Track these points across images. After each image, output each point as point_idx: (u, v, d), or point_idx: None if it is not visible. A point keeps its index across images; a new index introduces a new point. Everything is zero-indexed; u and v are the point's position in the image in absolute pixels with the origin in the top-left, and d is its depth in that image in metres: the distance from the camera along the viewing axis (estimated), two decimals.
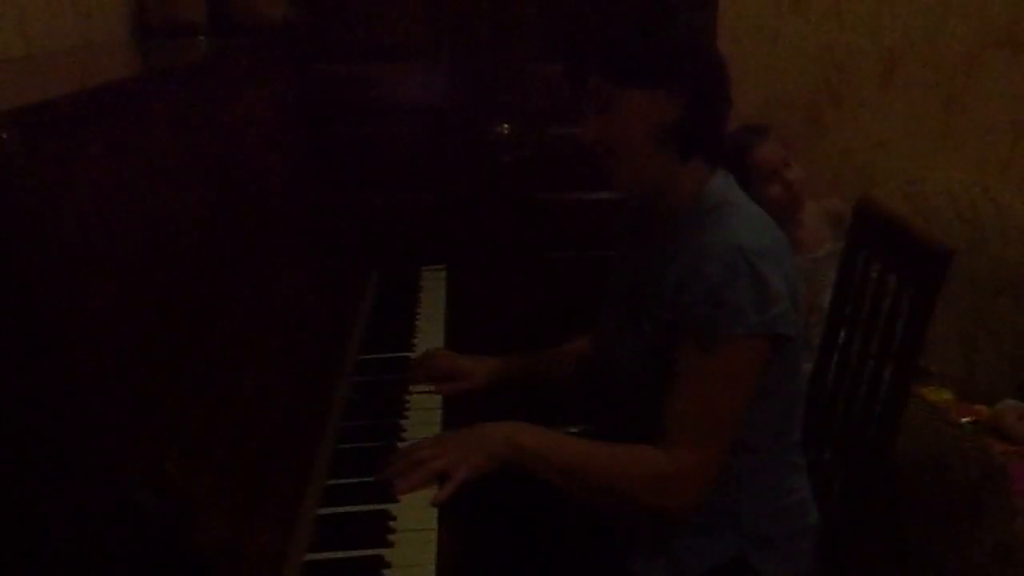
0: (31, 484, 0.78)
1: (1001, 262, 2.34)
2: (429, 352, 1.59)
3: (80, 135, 0.85)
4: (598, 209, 2.25)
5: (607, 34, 1.24)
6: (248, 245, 1.35)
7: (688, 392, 1.21)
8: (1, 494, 0.78)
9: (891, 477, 1.59)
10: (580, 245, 2.40)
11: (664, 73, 1.22)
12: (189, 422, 0.93)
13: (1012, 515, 1.72)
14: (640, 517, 1.33)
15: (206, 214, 1.18)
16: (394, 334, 1.73)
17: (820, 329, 1.78)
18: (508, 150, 2.37)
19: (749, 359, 1.21)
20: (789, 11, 2.43)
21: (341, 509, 1.16)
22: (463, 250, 2.39)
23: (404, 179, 2.40)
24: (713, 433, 1.22)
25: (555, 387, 1.65)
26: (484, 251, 2.43)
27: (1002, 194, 2.42)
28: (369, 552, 1.07)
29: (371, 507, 1.16)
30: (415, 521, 1.13)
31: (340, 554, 1.07)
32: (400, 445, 1.31)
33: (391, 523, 1.12)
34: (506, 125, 2.36)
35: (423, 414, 1.42)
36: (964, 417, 2.11)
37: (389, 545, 1.09)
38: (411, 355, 1.63)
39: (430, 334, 1.73)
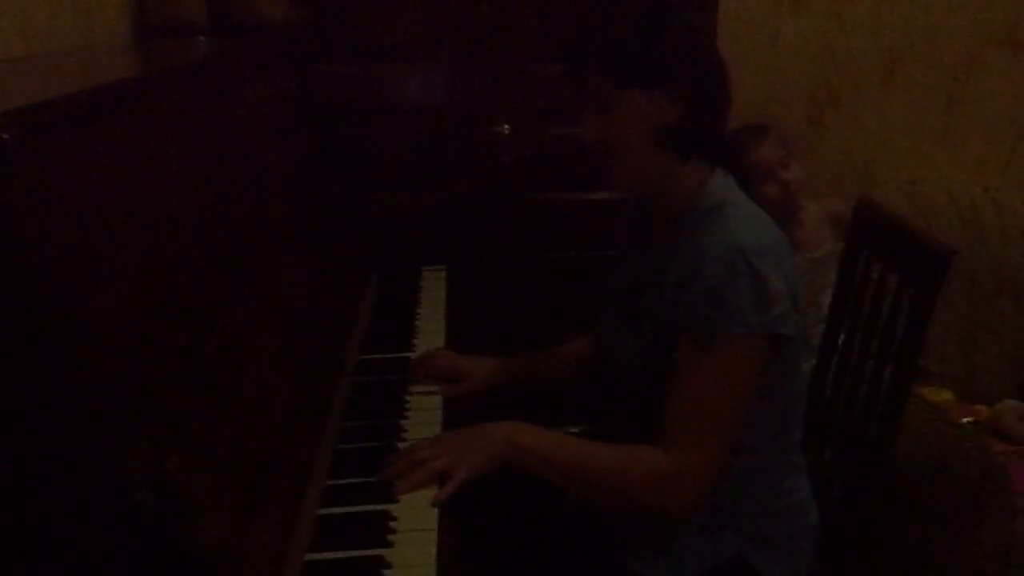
0: (31, 484, 0.78)
1: (1001, 262, 2.34)
2: (429, 352, 1.59)
3: (80, 135, 0.85)
4: (598, 209, 2.24)
5: (607, 34, 1.25)
6: (248, 245, 1.35)
7: (688, 392, 1.21)
8: (1, 494, 0.78)
9: (891, 477, 1.59)
10: (580, 245, 2.40)
11: (664, 73, 1.22)
12: (189, 422, 0.93)
13: (1012, 515, 1.73)
14: (640, 517, 1.33)
15: (206, 214, 1.18)
16: (394, 334, 1.74)
17: (819, 329, 1.78)
18: (508, 150, 2.37)
19: (749, 359, 1.21)
20: (789, 11, 2.43)
21: (341, 509, 1.16)
22: (463, 250, 2.38)
23: (404, 179, 2.40)
24: (713, 433, 1.22)
25: (555, 387, 1.65)
26: (484, 251, 2.43)
27: (1002, 194, 2.42)
28: (369, 552, 1.07)
29: (371, 507, 1.16)
30: (415, 521, 1.13)
31: (340, 554, 1.07)
32: (400, 445, 1.32)
33: (391, 523, 1.12)
34: (506, 125, 2.36)
35: (423, 414, 1.42)
36: (964, 417, 2.11)
37: (389, 545, 1.09)
38: (411, 355, 1.63)
39: (430, 334, 1.73)
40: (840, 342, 1.62)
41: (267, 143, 1.63)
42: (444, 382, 1.53)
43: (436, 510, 1.16)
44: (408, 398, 1.47)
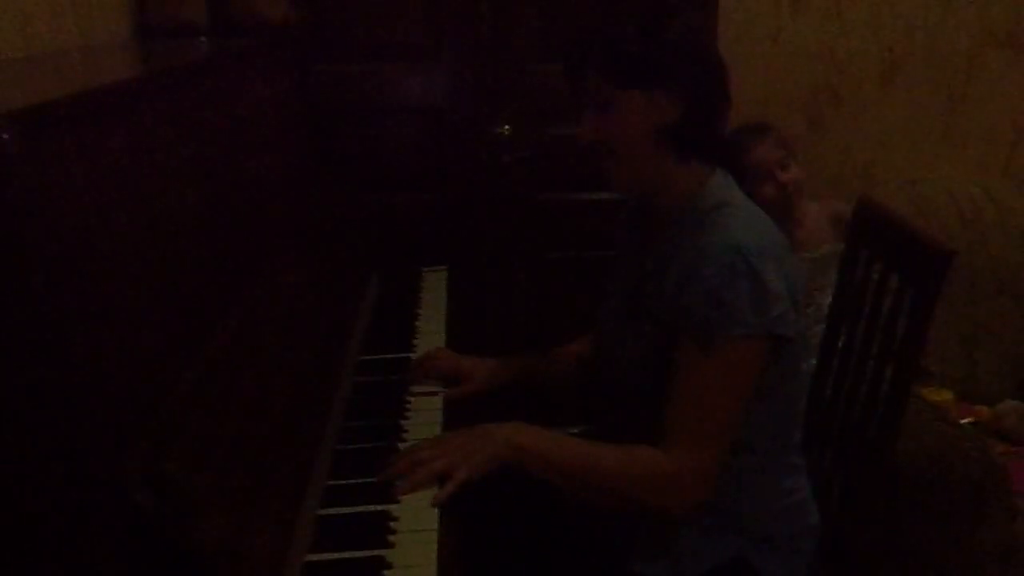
0: (31, 484, 0.78)
1: (1002, 262, 2.33)
2: (430, 353, 1.59)
3: (81, 136, 0.85)
4: (598, 209, 2.24)
5: (606, 35, 1.25)
6: (249, 245, 1.35)
7: (688, 392, 1.21)
8: (1, 494, 0.78)
9: (891, 477, 1.59)
10: (581, 245, 2.40)
11: (663, 74, 1.22)
12: (189, 422, 0.93)
13: (1013, 516, 1.72)
14: (640, 517, 1.33)
15: (207, 214, 1.18)
16: (395, 334, 1.74)
17: (819, 329, 1.78)
18: (508, 150, 2.37)
19: (748, 360, 1.21)
20: (789, 11, 2.43)
21: (342, 510, 1.16)
22: (464, 250, 2.39)
23: (404, 179, 2.40)
24: (713, 433, 1.22)
25: (555, 388, 1.65)
26: (485, 251, 2.43)
27: (1003, 194, 2.41)
28: (370, 553, 1.07)
29: (372, 508, 1.16)
30: (416, 522, 1.13)
31: (341, 555, 1.07)
32: (401, 446, 1.31)
33: (392, 524, 1.12)
34: (506, 125, 2.36)
35: (424, 415, 1.42)
36: (965, 418, 2.11)
37: (390, 546, 1.09)
38: (412, 356, 1.63)
39: (431, 335, 1.73)
40: (840, 342, 1.62)
41: (267, 143, 1.63)
42: (445, 382, 1.53)
43: (437, 510, 1.16)
44: (408, 398, 1.47)
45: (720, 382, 1.21)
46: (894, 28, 2.46)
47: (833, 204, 2.17)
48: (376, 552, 1.07)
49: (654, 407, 1.23)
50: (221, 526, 0.88)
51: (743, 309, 1.17)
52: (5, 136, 0.71)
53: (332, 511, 1.16)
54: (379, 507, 1.16)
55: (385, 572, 1.05)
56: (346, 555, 1.07)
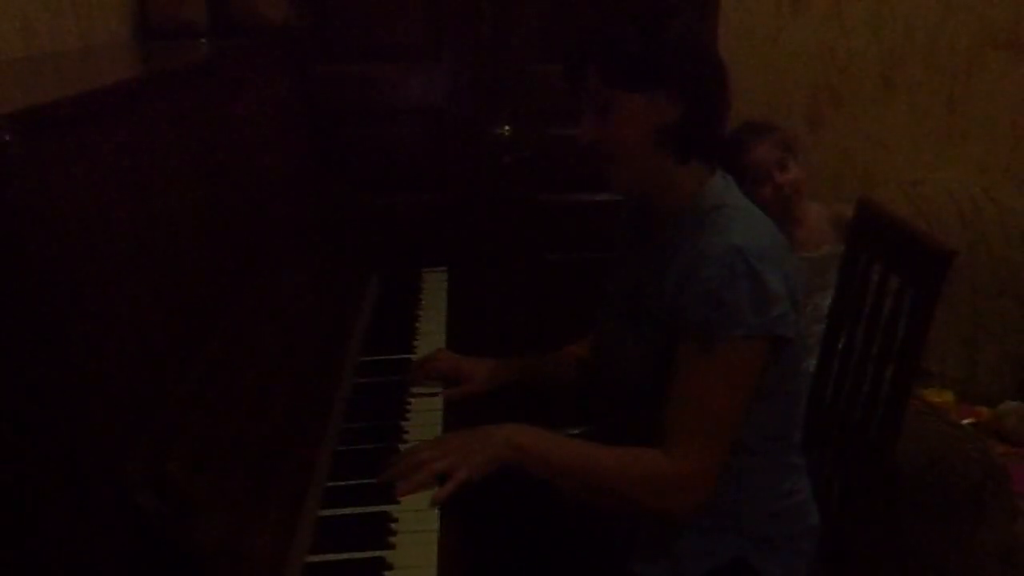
0: (32, 484, 0.78)
1: (1002, 263, 2.33)
2: (430, 354, 1.59)
3: (82, 137, 0.85)
4: (599, 210, 2.24)
5: (606, 36, 1.25)
6: (249, 246, 1.34)
7: (688, 394, 1.21)
8: (2, 494, 0.78)
9: (892, 478, 1.59)
10: (581, 246, 2.40)
11: (663, 75, 1.22)
12: (190, 423, 0.93)
13: (1013, 516, 1.72)
14: (640, 518, 1.33)
15: (207, 215, 1.18)
16: (395, 335, 1.73)
17: (817, 329, 1.78)
18: (509, 151, 2.37)
19: (748, 360, 1.21)
20: (790, 12, 2.43)
21: (342, 510, 1.16)
22: (464, 251, 2.39)
23: (405, 180, 2.40)
24: (713, 434, 1.22)
25: (556, 389, 1.65)
26: (485, 252, 2.43)
27: (1003, 195, 2.41)
28: (370, 554, 1.07)
29: (372, 509, 1.16)
30: (416, 522, 1.13)
31: (341, 556, 1.07)
32: (401, 447, 1.32)
33: (392, 525, 1.12)
34: (507, 126, 2.36)
35: (424, 416, 1.42)
36: (965, 418, 2.11)
37: (390, 547, 1.09)
38: (412, 356, 1.63)
39: (431, 335, 1.73)
40: (841, 343, 1.62)
41: (267, 144, 1.63)
42: (445, 383, 1.53)
43: (437, 511, 1.16)
44: (409, 399, 1.47)
45: (720, 383, 1.20)
46: (894, 28, 2.46)
47: (835, 206, 2.17)
48: (376, 553, 1.07)
49: (654, 408, 1.23)
50: (222, 527, 0.88)
51: (743, 310, 1.17)
52: (6, 137, 0.71)
53: (332, 512, 1.16)
54: (379, 508, 1.16)
55: (385, 573, 1.05)
56: (346, 556, 1.07)
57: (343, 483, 1.22)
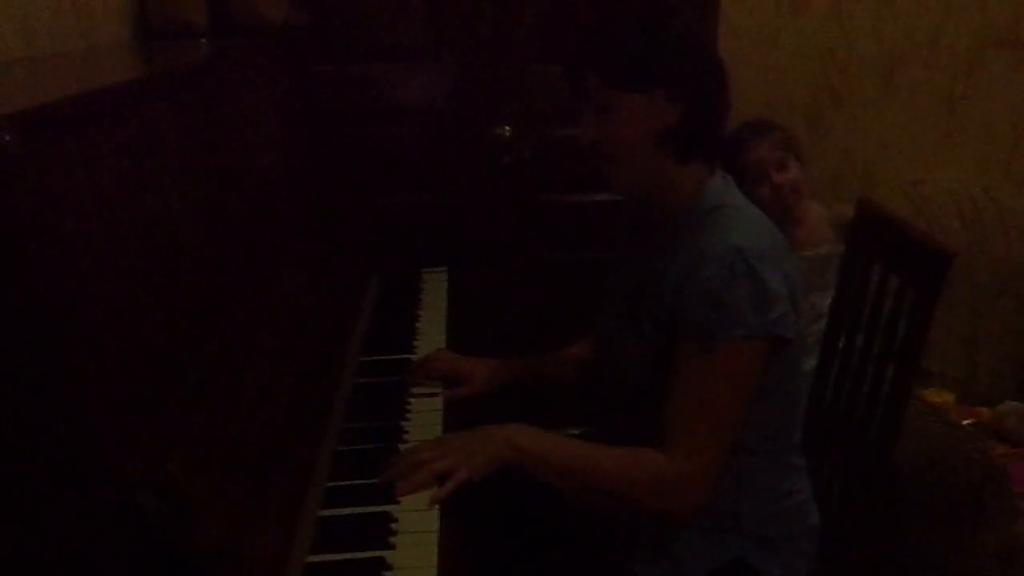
0: (33, 485, 0.78)
1: (1003, 263, 2.34)
2: (431, 354, 1.59)
3: (82, 137, 0.85)
4: (599, 210, 2.24)
5: (606, 36, 1.25)
6: (249, 246, 1.35)
7: (688, 394, 1.21)
8: (3, 494, 0.78)
9: (892, 478, 1.59)
10: (581, 246, 2.40)
11: (663, 75, 1.22)
12: (191, 423, 0.93)
13: (1013, 517, 1.72)
14: (641, 519, 1.33)
15: (207, 215, 1.19)
16: (395, 335, 1.73)
17: (814, 328, 1.78)
18: (508, 151, 2.37)
19: (748, 361, 1.21)
20: (790, 12, 2.43)
21: (342, 511, 1.16)
22: (464, 251, 2.39)
23: (405, 180, 2.40)
24: (713, 435, 1.22)
25: (556, 389, 1.65)
26: (485, 252, 2.43)
27: (1003, 195, 2.42)
28: (370, 554, 1.07)
29: (372, 509, 1.16)
30: (416, 523, 1.13)
31: (341, 556, 1.07)
32: (401, 447, 1.32)
33: (392, 525, 1.12)
34: (507, 126, 2.36)
35: (424, 416, 1.42)
36: (965, 419, 2.11)
37: (390, 547, 1.09)
38: (412, 357, 1.63)
39: (431, 336, 1.73)
40: (841, 343, 1.62)
41: (268, 144, 1.63)
42: (445, 384, 1.53)
43: (437, 512, 1.16)
44: (409, 400, 1.47)
45: (720, 383, 1.20)
46: (894, 28, 2.46)
47: (835, 206, 2.16)
48: (377, 553, 1.07)
49: (654, 408, 1.23)
50: (222, 527, 0.88)
51: (743, 310, 1.17)
52: (6, 137, 0.71)
53: (333, 512, 1.16)
54: (380, 508, 1.16)
55: (385, 573, 1.05)
56: (347, 556, 1.07)
57: (343, 483, 1.22)
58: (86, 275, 0.82)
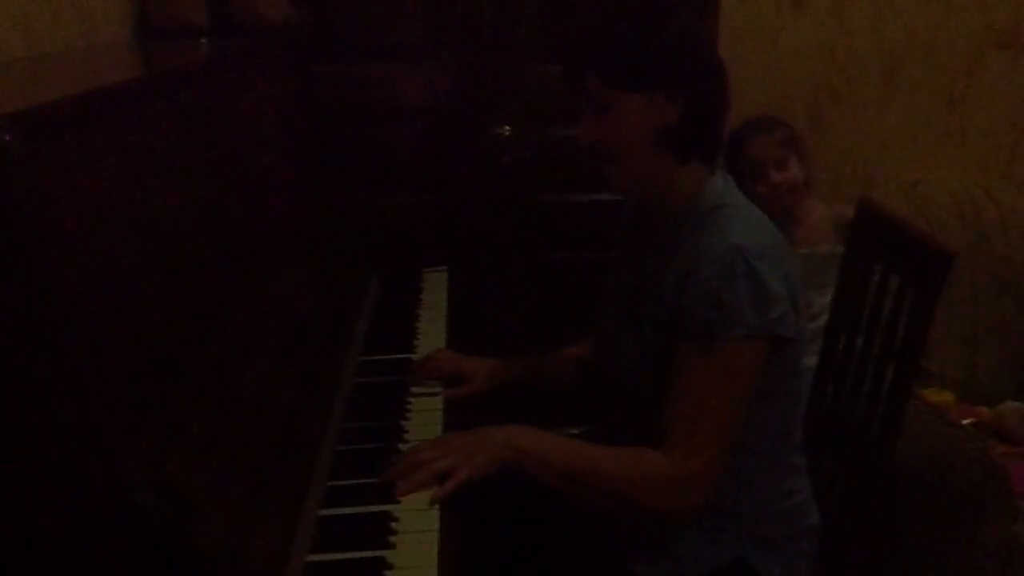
0: (32, 484, 0.78)
1: (1003, 263, 2.33)
2: (431, 354, 1.59)
3: (82, 137, 0.85)
4: (599, 210, 2.25)
5: (606, 36, 1.25)
6: (250, 246, 1.35)
7: (688, 394, 1.21)
8: (3, 494, 0.78)
9: (892, 478, 1.59)
10: (581, 246, 2.40)
11: (663, 75, 1.22)
12: (191, 423, 0.93)
13: (1014, 517, 1.72)
14: (641, 519, 1.33)
15: (207, 215, 1.19)
16: (396, 335, 1.74)
17: (810, 327, 1.77)
18: (509, 151, 2.37)
19: (749, 360, 1.21)
20: (790, 11, 2.43)
21: (342, 510, 1.16)
22: (464, 251, 2.39)
23: (405, 180, 2.40)
24: (713, 435, 1.21)
25: (556, 389, 1.65)
26: (485, 252, 2.43)
27: (1004, 195, 2.41)
28: (371, 553, 1.07)
29: (373, 508, 1.16)
30: (417, 522, 1.13)
31: (342, 555, 1.07)
32: (402, 447, 1.32)
33: (393, 524, 1.13)
34: (507, 126, 2.36)
35: (425, 415, 1.42)
36: (966, 418, 2.11)
37: (391, 546, 1.09)
38: (413, 356, 1.63)
39: (432, 335, 1.73)
40: (841, 343, 1.62)
41: (268, 143, 1.63)
42: (445, 383, 1.53)
43: (437, 512, 1.16)
44: (409, 399, 1.47)
45: (720, 383, 1.20)
46: (894, 28, 2.46)
47: (836, 207, 2.16)
48: (377, 553, 1.07)
49: (654, 408, 1.23)
50: (222, 527, 0.88)
51: (743, 310, 1.17)
52: (7, 137, 0.71)
53: (333, 512, 1.16)
54: (380, 508, 1.16)
55: (386, 573, 1.05)
56: (347, 556, 1.07)
57: (343, 483, 1.22)
58: (86, 275, 0.82)
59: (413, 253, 2.27)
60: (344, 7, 2.27)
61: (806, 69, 2.47)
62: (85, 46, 1.65)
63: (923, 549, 1.72)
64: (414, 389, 1.50)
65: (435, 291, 1.97)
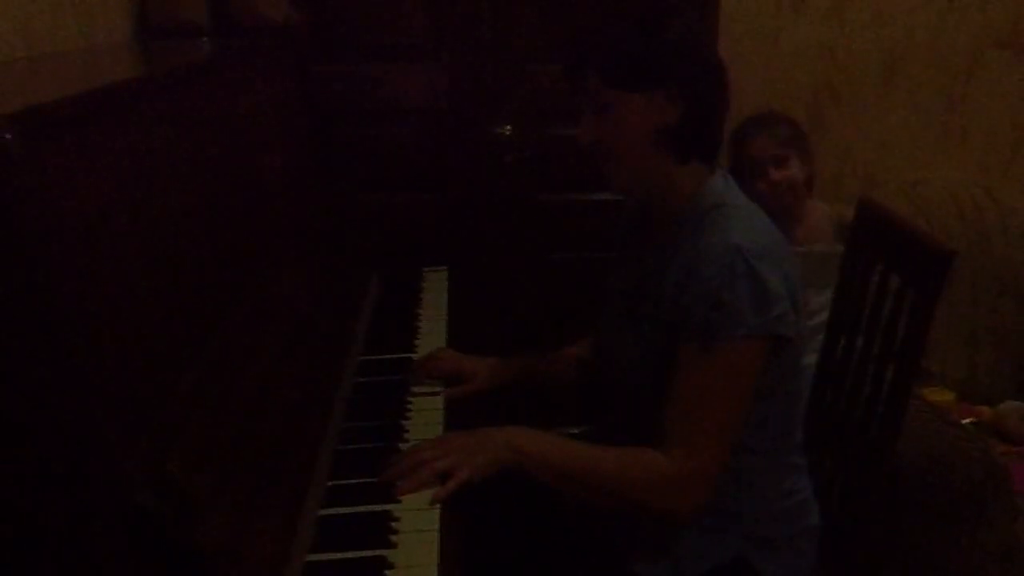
0: (32, 484, 0.78)
1: (1003, 263, 2.34)
2: (432, 353, 1.59)
3: (83, 136, 0.85)
4: (600, 210, 2.25)
5: (606, 36, 1.25)
6: (250, 245, 1.35)
7: (688, 394, 1.21)
8: (3, 494, 0.78)
9: (893, 478, 1.59)
10: (582, 246, 2.40)
11: (662, 75, 1.22)
12: (191, 423, 0.93)
13: (1014, 516, 1.72)
14: (641, 519, 1.33)
15: (208, 214, 1.19)
16: (396, 335, 1.74)
17: (806, 325, 1.77)
18: (509, 150, 2.37)
19: (749, 360, 1.21)
20: (790, 11, 2.43)
21: (343, 510, 1.16)
22: (465, 251, 2.39)
23: (405, 179, 2.40)
24: (714, 435, 1.21)
25: (556, 388, 1.65)
26: (486, 252, 2.43)
27: (1004, 194, 2.41)
28: (371, 553, 1.07)
29: (373, 508, 1.16)
30: (417, 522, 1.13)
31: (342, 555, 1.07)
32: (402, 446, 1.32)
33: (393, 524, 1.12)
34: (507, 126, 2.36)
35: (425, 415, 1.42)
36: (966, 418, 2.11)
37: (391, 546, 1.09)
38: (413, 356, 1.63)
39: (432, 335, 1.73)
40: (842, 343, 1.62)
41: (268, 143, 1.63)
42: (446, 382, 1.53)
43: (438, 511, 1.16)
44: (410, 399, 1.47)
45: (721, 383, 1.20)
46: (894, 28, 2.46)
47: (837, 207, 2.16)
48: (378, 552, 1.07)
49: (654, 408, 1.23)
50: (222, 526, 0.88)
51: (743, 310, 1.17)
52: (7, 137, 0.71)
53: (333, 511, 1.16)
54: (380, 507, 1.16)
55: (387, 572, 1.05)
56: (347, 555, 1.07)
57: (344, 482, 1.22)
58: (86, 274, 0.82)
59: (413, 253, 2.27)
60: (344, 7, 2.28)
61: (806, 69, 2.47)
62: (85, 46, 1.65)
63: (923, 549, 1.72)
64: (414, 388, 1.50)
65: (435, 291, 1.97)
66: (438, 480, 1.19)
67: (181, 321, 1.01)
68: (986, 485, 1.66)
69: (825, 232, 2.12)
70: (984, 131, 2.55)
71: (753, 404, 1.24)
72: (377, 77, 2.33)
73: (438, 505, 1.17)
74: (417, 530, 1.12)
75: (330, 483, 1.22)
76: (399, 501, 1.17)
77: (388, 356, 1.64)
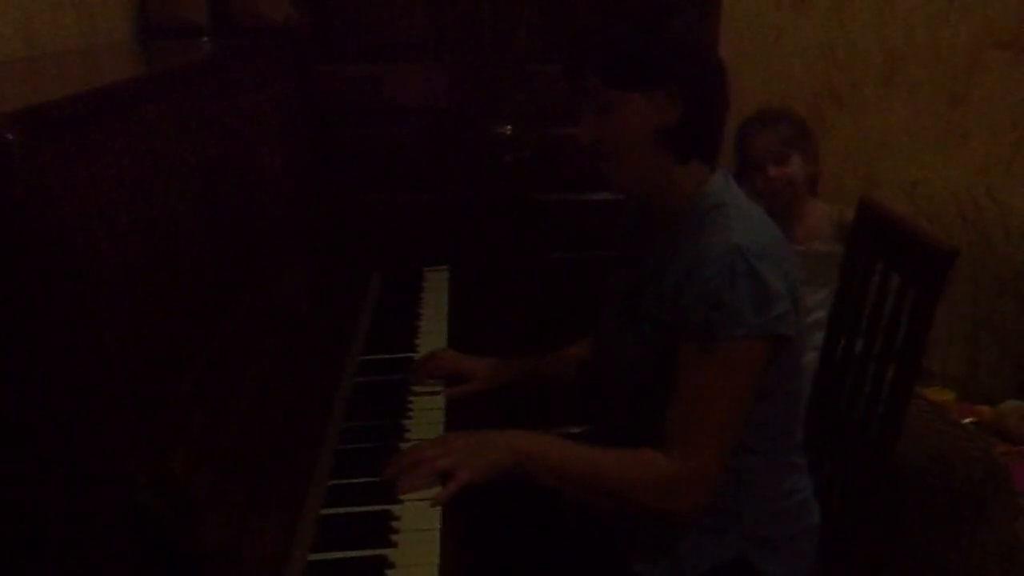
0: (33, 484, 0.78)
1: (1004, 262, 2.34)
2: (433, 352, 1.59)
3: (83, 136, 0.85)
4: (600, 210, 2.25)
5: (606, 36, 1.25)
6: (251, 245, 1.35)
7: (689, 394, 1.21)
8: (3, 494, 0.78)
9: (893, 477, 1.59)
10: (582, 246, 2.40)
11: (663, 75, 1.22)
12: (192, 422, 0.93)
13: (1014, 516, 1.72)
14: (641, 519, 1.33)
15: (208, 214, 1.19)
16: (397, 334, 1.74)
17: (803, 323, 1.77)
18: (510, 150, 2.38)
19: (749, 360, 1.20)
20: (791, 10, 2.43)
21: (344, 509, 1.16)
22: (465, 251, 2.39)
23: (406, 179, 2.40)
24: (714, 435, 1.21)
25: (557, 388, 1.65)
26: (486, 252, 2.43)
27: (1005, 194, 2.41)
28: (372, 552, 1.07)
29: (374, 507, 1.16)
30: (418, 521, 1.13)
31: (343, 554, 1.07)
32: (403, 446, 1.32)
33: (394, 523, 1.13)
34: (508, 126, 2.36)
35: (426, 414, 1.42)
36: (966, 417, 2.11)
37: (392, 545, 1.09)
38: (414, 356, 1.63)
39: (433, 335, 1.73)
40: (842, 342, 1.62)
41: (269, 144, 1.63)
42: (446, 382, 1.53)
43: (439, 510, 1.16)
44: (410, 398, 1.47)
45: (721, 383, 1.20)
46: (895, 28, 2.46)
47: (838, 207, 2.16)
48: (378, 551, 1.07)
49: (654, 408, 1.23)
50: (223, 526, 0.88)
51: (744, 310, 1.17)
52: (8, 136, 0.71)
53: (334, 511, 1.16)
54: (381, 507, 1.16)
55: (387, 571, 1.05)
56: (348, 554, 1.07)
57: (345, 481, 1.22)
58: (86, 274, 0.82)
59: (414, 252, 2.27)
60: (344, 7, 2.28)
61: (807, 69, 2.47)
62: (85, 46, 1.66)
63: (923, 548, 1.72)
64: (415, 388, 1.50)
65: (436, 290, 1.97)
66: (438, 478, 1.19)
67: (181, 321, 1.01)
68: (986, 485, 1.66)
69: (824, 231, 2.11)
70: (985, 131, 2.55)
71: (753, 404, 1.24)
72: (377, 77, 2.33)
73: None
74: (418, 529, 1.12)
75: (330, 482, 1.22)
76: (400, 501, 1.17)
77: (388, 356, 1.64)
